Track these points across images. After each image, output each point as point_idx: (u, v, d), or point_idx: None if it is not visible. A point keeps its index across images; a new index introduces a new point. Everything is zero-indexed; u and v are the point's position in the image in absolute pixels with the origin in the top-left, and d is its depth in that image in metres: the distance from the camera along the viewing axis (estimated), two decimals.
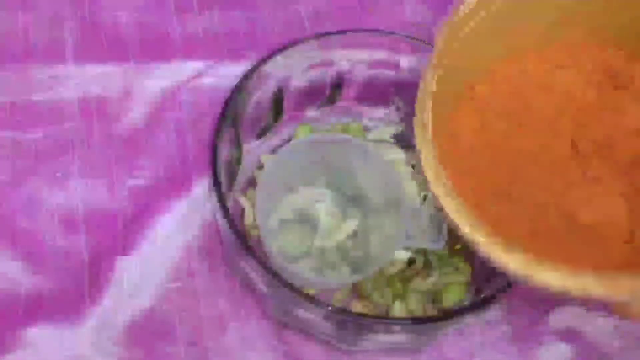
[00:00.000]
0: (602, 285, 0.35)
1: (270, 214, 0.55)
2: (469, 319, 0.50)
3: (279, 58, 0.55)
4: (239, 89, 0.53)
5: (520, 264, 0.36)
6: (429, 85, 0.40)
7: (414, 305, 0.54)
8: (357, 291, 0.55)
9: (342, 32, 0.58)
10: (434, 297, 0.55)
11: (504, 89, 0.44)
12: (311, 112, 0.60)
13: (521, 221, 0.41)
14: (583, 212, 0.41)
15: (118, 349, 0.52)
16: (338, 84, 0.59)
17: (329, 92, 0.60)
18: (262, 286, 0.50)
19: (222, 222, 0.51)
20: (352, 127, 0.60)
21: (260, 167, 0.58)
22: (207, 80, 0.62)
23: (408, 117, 0.61)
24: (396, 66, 0.58)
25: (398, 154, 0.58)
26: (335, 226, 0.55)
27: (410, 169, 0.58)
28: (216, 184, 0.50)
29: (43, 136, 0.59)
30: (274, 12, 0.67)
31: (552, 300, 0.56)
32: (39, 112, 0.60)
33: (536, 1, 0.43)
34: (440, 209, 0.38)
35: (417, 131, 0.40)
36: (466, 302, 0.53)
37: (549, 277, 0.35)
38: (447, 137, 0.42)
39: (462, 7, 0.41)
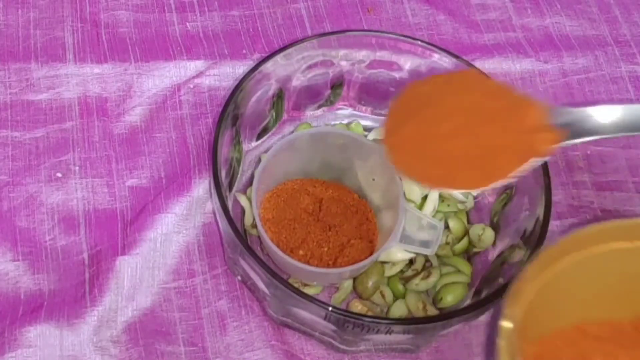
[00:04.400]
0: None
1: None
2: (469, 319, 0.50)
3: (279, 58, 0.55)
4: (239, 89, 0.53)
5: None
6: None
7: (414, 305, 0.53)
8: (357, 291, 0.55)
9: (342, 32, 0.58)
10: (434, 297, 0.55)
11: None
12: (311, 112, 0.60)
13: None
14: None
15: (118, 349, 0.52)
16: (338, 84, 0.59)
17: (329, 92, 0.60)
18: (262, 286, 0.50)
19: (222, 222, 0.51)
20: (352, 127, 0.60)
21: None
22: (207, 80, 0.62)
23: None
24: (396, 66, 0.58)
25: None
26: None
27: None
28: (216, 184, 0.50)
29: (43, 136, 0.59)
30: (274, 11, 0.67)
31: None
32: (39, 111, 0.60)
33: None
34: None
35: None
36: (466, 302, 0.53)
37: None
38: None
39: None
